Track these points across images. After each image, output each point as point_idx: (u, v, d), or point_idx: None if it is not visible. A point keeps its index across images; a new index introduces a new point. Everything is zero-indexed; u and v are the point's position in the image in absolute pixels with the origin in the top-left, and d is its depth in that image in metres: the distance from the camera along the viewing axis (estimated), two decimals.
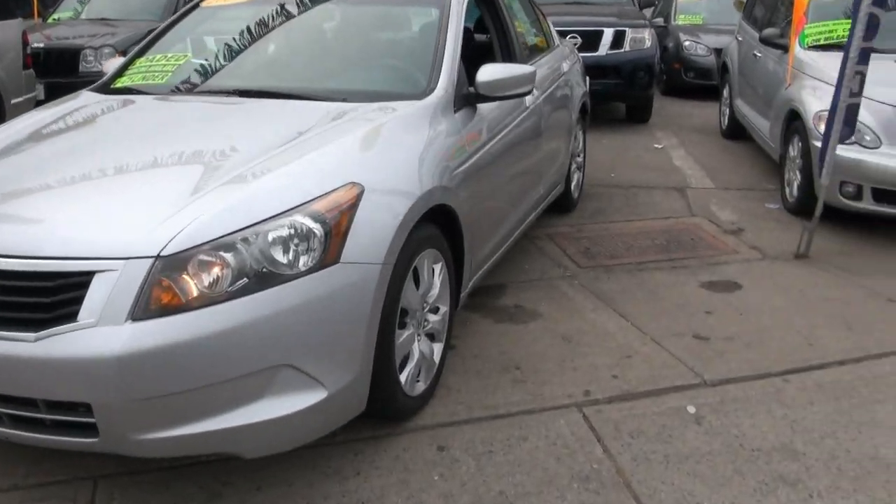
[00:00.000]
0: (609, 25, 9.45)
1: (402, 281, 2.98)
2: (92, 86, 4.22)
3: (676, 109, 11.29)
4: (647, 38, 9.53)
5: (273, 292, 2.59)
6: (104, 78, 4.32)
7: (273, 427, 2.66)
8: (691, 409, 3.34)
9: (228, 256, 2.57)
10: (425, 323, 3.32)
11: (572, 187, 6.08)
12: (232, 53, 4.21)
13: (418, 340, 3.25)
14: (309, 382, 2.70)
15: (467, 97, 3.79)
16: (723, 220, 6.05)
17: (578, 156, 6.29)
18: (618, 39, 9.42)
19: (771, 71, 7.10)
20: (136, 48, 4.50)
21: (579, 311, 4.36)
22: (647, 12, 15.83)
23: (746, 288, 4.70)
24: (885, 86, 5.65)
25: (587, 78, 6.64)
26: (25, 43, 8.10)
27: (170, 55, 4.31)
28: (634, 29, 9.50)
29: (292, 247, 2.64)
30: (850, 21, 5.10)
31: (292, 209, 2.68)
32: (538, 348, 3.89)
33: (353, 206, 2.78)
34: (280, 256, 2.62)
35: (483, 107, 3.91)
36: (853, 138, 5.48)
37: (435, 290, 3.35)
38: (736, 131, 8.55)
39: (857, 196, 5.51)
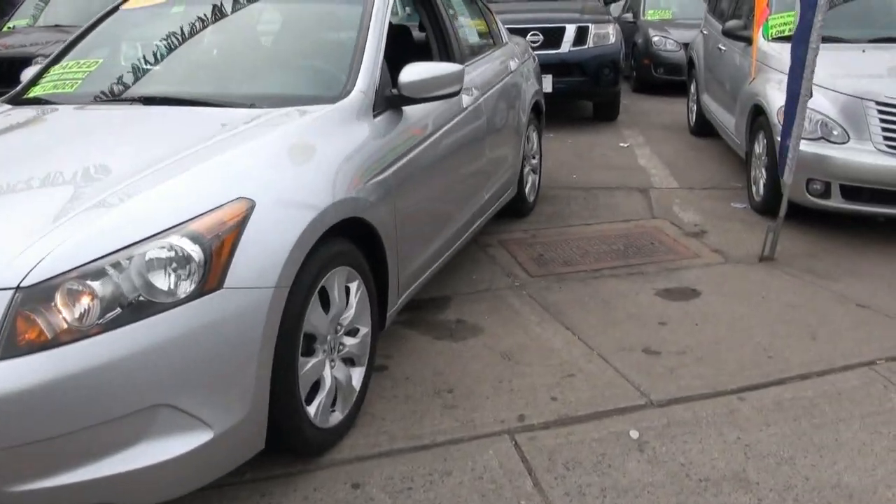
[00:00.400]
0: (571, 21, 9.17)
1: (304, 304, 2.68)
2: (5, 96, 3.93)
3: (646, 106, 11.03)
4: (611, 33, 9.26)
5: (148, 323, 2.30)
6: (18, 87, 4.01)
7: (156, 473, 2.36)
8: (634, 434, 3.04)
9: (97, 285, 2.28)
10: (340, 347, 3.02)
11: (526, 191, 5.79)
12: (144, 59, 3.91)
13: (332, 367, 2.95)
14: (192, 423, 2.40)
15: (390, 100, 3.49)
16: (685, 221, 5.77)
17: (533, 157, 6.00)
18: (580, 36, 9.14)
19: (736, 65, 6.83)
20: (52, 55, 4.18)
21: (524, 325, 4.06)
22: (618, 7, 15.62)
23: (705, 295, 4.42)
24: (852, 77, 5.39)
25: (541, 77, 6.36)
26: None
27: (82, 62, 4.00)
28: (598, 24, 9.23)
29: (169, 272, 2.34)
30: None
31: (168, 230, 2.38)
32: (475, 368, 3.59)
33: (241, 223, 2.48)
34: (155, 283, 2.32)
35: (411, 109, 3.62)
36: (819, 133, 5.22)
37: (351, 311, 3.05)
38: (704, 128, 8.29)
39: (825, 194, 5.24)
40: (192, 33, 3.99)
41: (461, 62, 4.43)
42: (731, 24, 6.59)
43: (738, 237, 5.40)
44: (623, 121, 9.85)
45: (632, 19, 13.21)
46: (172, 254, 2.34)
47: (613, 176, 7.10)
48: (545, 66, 8.71)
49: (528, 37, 8.92)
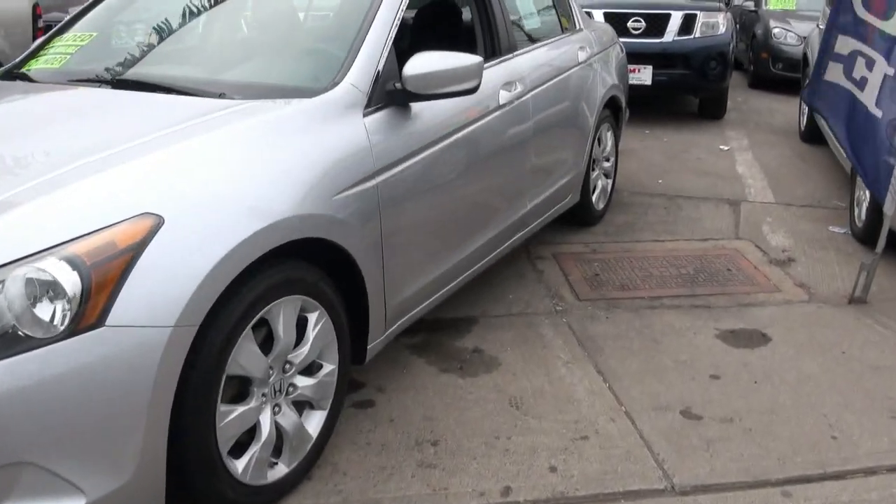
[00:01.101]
0: (677, 8, 8.38)
1: (227, 343, 2.19)
2: (3, 67, 3.62)
3: (760, 104, 10.11)
4: (721, 22, 8.42)
5: (10, 364, 1.87)
6: (17, 59, 3.68)
7: None
8: None
9: None
10: (291, 389, 2.52)
11: (593, 198, 5.16)
12: (131, 36, 3.49)
13: (275, 412, 2.46)
14: (62, 486, 1.95)
15: (393, 95, 2.95)
16: (772, 245, 5.03)
17: (606, 160, 5.35)
18: (687, 24, 8.35)
19: None
20: (58, 26, 3.82)
21: (549, 363, 3.49)
22: None
23: (775, 342, 3.73)
24: None
25: (625, 70, 5.70)
26: (37, 16, 7.60)
27: (77, 36, 3.61)
28: (707, 13, 8.41)
29: (41, 302, 1.89)
30: None
31: (46, 250, 1.93)
32: (474, 416, 3.05)
33: (138, 246, 2.00)
34: (22, 315, 1.88)
35: (424, 107, 3.07)
36: None
37: (306, 348, 2.55)
38: (815, 134, 7.40)
39: None
40: (186, 12, 3.53)
41: (508, 51, 3.88)
42: None
43: (830, 270, 4.64)
44: (730, 120, 9.01)
45: (753, 8, 12.20)
46: (41, 280, 1.89)
47: (704, 184, 6.36)
48: (646, 56, 8.06)
49: (630, 23, 8.25)
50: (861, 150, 4.45)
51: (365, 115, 2.85)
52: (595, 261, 4.72)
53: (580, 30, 4.97)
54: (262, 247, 2.25)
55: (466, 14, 3.96)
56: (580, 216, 5.14)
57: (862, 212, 5.02)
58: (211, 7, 3.51)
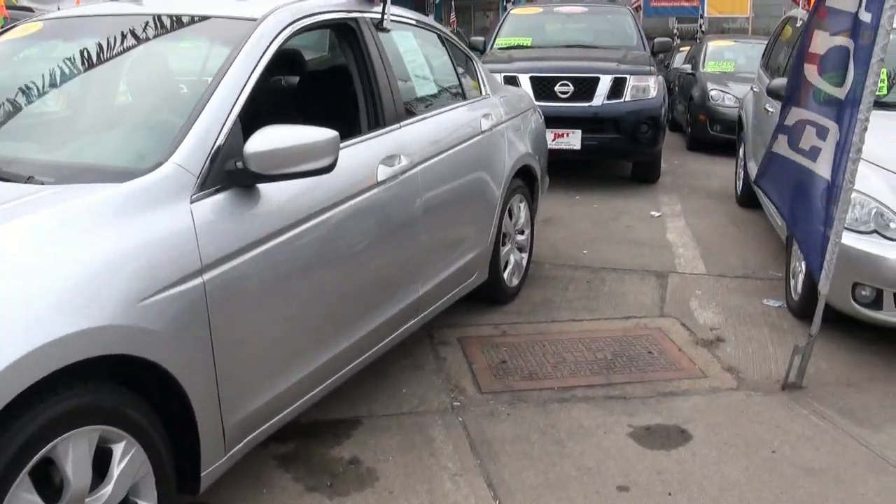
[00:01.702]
0: (606, 72, 8.12)
1: None
2: None
3: (696, 167, 9.89)
4: (651, 86, 8.17)
5: None
6: None
7: None
8: None
9: None
10: None
11: (505, 275, 4.74)
12: None
13: None
14: None
15: (234, 176, 2.52)
16: (700, 322, 4.64)
17: (520, 233, 4.95)
18: (617, 88, 8.08)
19: None
20: None
21: (435, 475, 3.02)
22: (681, 56, 14.51)
23: (695, 441, 3.30)
24: None
25: (542, 137, 5.35)
26: None
27: None
28: (637, 76, 8.15)
29: None
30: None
31: None
32: None
33: None
34: None
35: (276, 189, 2.64)
36: (872, 225, 4.09)
37: (108, 488, 2.07)
38: (751, 198, 7.09)
39: (877, 303, 4.09)
40: (42, 76, 3.09)
41: (394, 120, 3.47)
42: (777, 82, 5.45)
43: (763, 350, 4.26)
44: (665, 184, 8.73)
45: (691, 70, 12.09)
46: None
47: (632, 254, 5.99)
48: (575, 120, 7.75)
49: (557, 87, 7.98)
50: (799, 222, 4.09)
51: (194, 199, 2.41)
52: (504, 345, 4.28)
53: (486, 96, 4.60)
54: (38, 369, 1.79)
55: (350, 81, 3.56)
56: (491, 294, 4.72)
57: (798, 284, 4.66)
58: (33, 73, 3.07)
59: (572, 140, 8.01)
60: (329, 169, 2.60)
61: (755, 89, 7.29)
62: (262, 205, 2.61)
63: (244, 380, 2.54)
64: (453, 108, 4.13)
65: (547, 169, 5.59)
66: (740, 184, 7.58)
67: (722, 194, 8.11)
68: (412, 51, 3.93)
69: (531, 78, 8.15)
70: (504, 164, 4.46)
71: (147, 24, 3.13)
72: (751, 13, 19.66)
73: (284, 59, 4.51)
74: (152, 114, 2.86)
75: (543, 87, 8.11)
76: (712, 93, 10.83)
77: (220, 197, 2.49)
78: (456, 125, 4.03)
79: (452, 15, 18.24)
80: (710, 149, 10.90)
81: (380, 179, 3.21)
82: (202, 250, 2.35)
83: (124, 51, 3.05)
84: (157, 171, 2.38)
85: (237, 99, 2.64)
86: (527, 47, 9.41)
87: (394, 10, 3.87)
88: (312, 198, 2.83)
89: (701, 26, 19.59)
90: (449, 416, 3.51)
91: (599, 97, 8.04)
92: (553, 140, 7.90)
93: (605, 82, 8.05)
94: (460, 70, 4.44)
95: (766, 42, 8.53)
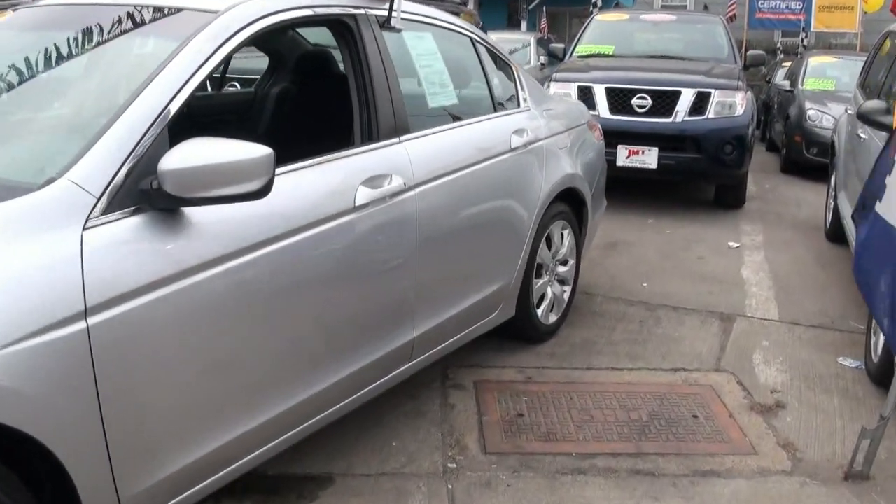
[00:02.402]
0: (689, 85, 7.45)
1: None
2: None
3: (788, 193, 9.09)
4: (738, 102, 7.46)
5: None
6: None
7: None
8: None
9: None
10: None
11: (539, 311, 4.19)
12: None
13: None
14: None
15: (150, 197, 2.06)
16: (761, 381, 4.00)
17: (562, 264, 4.39)
18: (700, 103, 7.40)
19: (873, 162, 4.95)
20: None
21: None
22: (782, 72, 13.60)
23: None
24: None
25: (599, 156, 4.78)
26: None
27: None
28: (723, 91, 7.45)
29: None
30: None
31: None
32: None
33: None
34: None
35: (212, 213, 2.17)
36: None
37: None
38: (840, 233, 6.33)
39: None
40: None
41: (391, 134, 2.99)
42: (869, 105, 4.72)
43: (829, 423, 3.60)
44: (750, 210, 7.99)
45: (789, 88, 11.22)
46: None
47: (698, 290, 5.35)
48: (651, 137, 7.14)
49: (635, 100, 7.36)
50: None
51: (90, 225, 1.96)
52: (526, 394, 3.73)
53: (524, 109, 4.05)
54: None
55: (344, 88, 3.08)
56: (522, 332, 4.18)
57: (879, 343, 3.97)
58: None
59: (648, 158, 7.37)
60: (261, 193, 2.12)
61: (850, 111, 6.51)
62: (189, 232, 2.15)
63: (147, 447, 2.08)
64: (476, 122, 3.61)
65: (604, 191, 5.02)
66: (829, 216, 6.80)
67: (810, 225, 7.34)
68: (428, 54, 3.42)
69: (606, 89, 7.56)
70: (539, 187, 3.91)
71: (112, 16, 2.71)
72: (860, 28, 18.42)
73: (300, 60, 4.11)
74: (72, 119, 2.43)
75: (620, 100, 7.51)
76: (810, 112, 9.99)
77: (129, 222, 2.04)
78: (476, 141, 3.50)
79: (543, 21, 17.60)
80: (806, 173, 10.07)
81: (358, 203, 2.71)
82: (89, 288, 1.90)
83: (69, 47, 2.64)
84: (45, 189, 1.95)
85: (167, 105, 2.19)
86: (608, 56, 8.81)
87: (411, 7, 3.38)
88: (262, 224, 2.35)
89: (803, 40, 18.46)
90: (437, 481, 2.99)
91: (680, 112, 7.38)
92: (627, 157, 7.32)
93: (686, 96, 7.39)
94: (494, 79, 3.90)
95: None
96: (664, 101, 7.42)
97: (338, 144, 2.87)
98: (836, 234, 6.54)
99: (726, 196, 7.98)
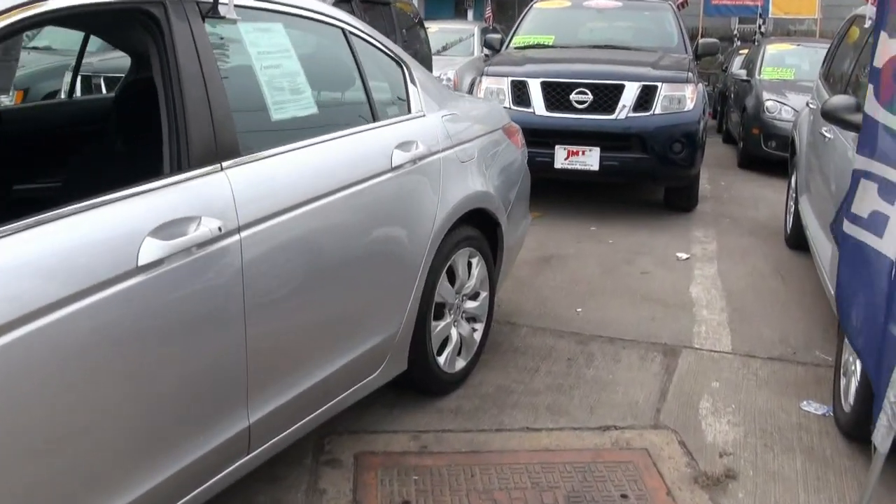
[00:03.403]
0: (633, 78, 6.75)
1: None
2: None
3: (745, 191, 8.46)
4: (688, 96, 6.78)
5: None
6: None
7: None
8: None
9: None
10: None
11: (441, 359, 3.47)
12: None
13: None
14: None
15: None
16: (708, 441, 3.31)
17: (474, 298, 3.67)
18: (645, 98, 6.71)
19: (841, 166, 4.27)
20: None
21: None
22: (739, 60, 13.00)
23: None
24: None
25: (518, 169, 4.07)
26: None
27: None
28: (671, 84, 6.77)
29: None
30: None
31: None
32: None
33: None
34: None
35: None
36: None
37: None
38: (801, 239, 5.67)
39: None
40: None
41: (208, 160, 2.22)
42: (836, 101, 4.01)
43: (791, 497, 2.91)
44: (703, 213, 7.34)
45: (745, 77, 10.59)
46: None
47: (639, 316, 4.66)
48: (592, 136, 6.42)
49: (573, 95, 6.66)
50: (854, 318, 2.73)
51: None
52: (417, 471, 3.01)
53: (417, 115, 3.31)
54: None
55: (153, 100, 2.32)
56: (419, 385, 3.45)
57: (851, 387, 3.29)
58: None
59: (589, 159, 6.68)
60: None
61: (811, 105, 5.84)
62: None
63: None
64: (343, 137, 2.85)
65: (527, 205, 4.31)
66: (790, 220, 6.15)
67: (769, 230, 6.70)
68: (277, 52, 2.66)
69: (542, 83, 6.86)
70: (434, 212, 3.18)
71: None
72: (819, 14, 17.88)
73: None
74: None
75: (557, 95, 6.80)
76: (768, 103, 9.36)
77: None
78: (342, 161, 2.76)
79: (488, 9, 16.81)
80: (764, 167, 9.47)
81: (143, 263, 1.95)
82: None
83: None
84: None
85: None
86: (547, 47, 8.10)
87: None
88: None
89: (760, 27, 17.88)
90: None
91: (623, 108, 6.69)
92: (566, 159, 6.63)
93: (630, 90, 6.70)
94: (374, 80, 3.15)
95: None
96: (606, 96, 6.72)
97: (145, 175, 2.12)
98: (797, 240, 5.90)
99: (677, 198, 7.31)
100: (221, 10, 2.43)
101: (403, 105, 3.30)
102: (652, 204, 7.53)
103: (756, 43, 13.96)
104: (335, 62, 3.06)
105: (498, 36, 8.57)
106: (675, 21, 8.35)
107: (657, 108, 6.69)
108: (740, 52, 14.67)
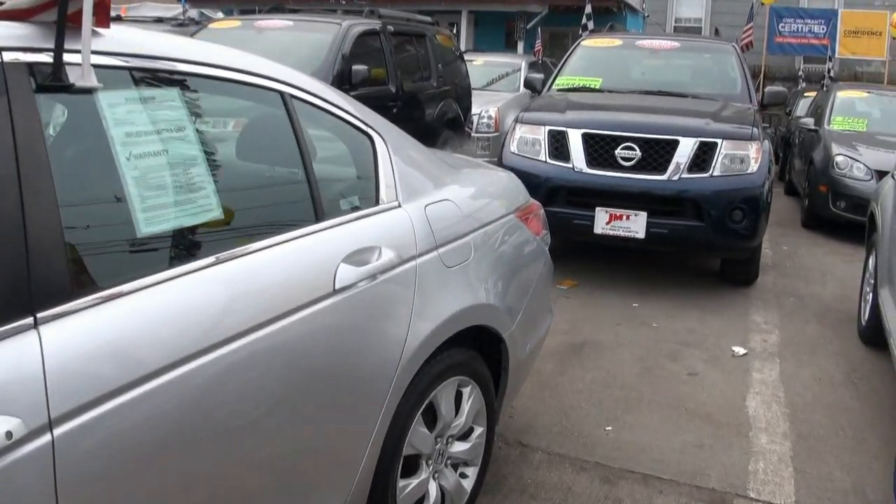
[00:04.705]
0: (689, 132, 5.86)
1: None
2: None
3: (810, 260, 7.47)
4: (752, 156, 5.87)
5: None
6: None
7: None
8: None
9: None
10: None
11: None
12: None
13: None
14: None
15: None
16: None
17: (464, 437, 2.81)
18: (703, 156, 5.82)
19: None
20: None
21: None
22: (804, 106, 11.97)
23: None
24: None
25: (534, 257, 3.21)
26: None
27: None
28: (733, 142, 5.86)
29: None
30: None
31: None
32: None
33: None
34: None
35: None
36: None
37: None
38: (879, 334, 4.71)
39: None
40: None
41: (13, 311, 1.39)
42: None
43: None
44: (764, 287, 6.40)
45: (813, 126, 9.59)
46: None
47: (683, 441, 3.77)
48: (639, 198, 5.58)
49: (619, 150, 5.79)
50: None
51: None
52: None
53: (386, 207, 2.47)
54: None
55: None
56: None
57: None
58: None
59: (634, 225, 5.79)
60: None
61: None
62: None
63: None
64: (256, 252, 2.00)
65: (549, 303, 3.46)
66: (866, 310, 5.19)
67: (839, 315, 5.74)
68: (160, 132, 1.84)
69: (584, 136, 6.00)
70: (401, 340, 2.34)
71: None
72: (888, 56, 16.74)
73: None
74: None
75: (601, 150, 5.95)
76: (838, 159, 8.38)
77: None
78: (244, 293, 1.91)
79: (537, 43, 15.94)
80: (832, 230, 8.49)
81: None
82: None
83: None
84: None
85: None
86: (593, 90, 7.22)
87: (139, 42, 1.82)
88: None
89: (829, 70, 16.78)
90: None
91: (676, 168, 5.79)
92: (608, 223, 5.77)
93: (685, 147, 5.81)
94: (323, 164, 2.32)
95: None
96: (657, 153, 5.83)
97: None
98: (873, 335, 4.94)
99: (735, 271, 6.38)
100: (71, 74, 1.62)
101: (368, 194, 2.46)
102: (705, 274, 6.60)
103: (824, 88, 12.93)
104: (265, 140, 2.24)
105: (539, 76, 7.72)
106: (739, 65, 7.44)
107: (716, 168, 5.79)
108: (806, 94, 13.64)
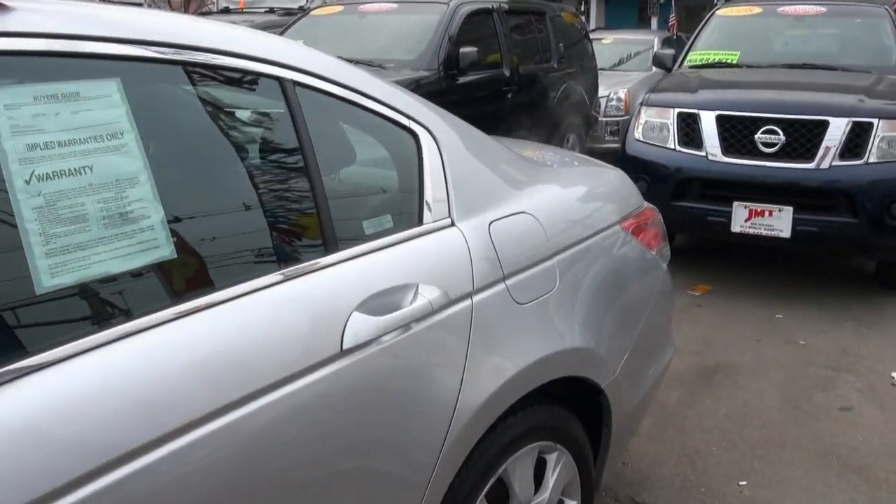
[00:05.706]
0: (840, 112, 4.99)
1: None
2: None
3: None
4: None
5: None
6: None
7: None
8: None
9: None
10: None
11: None
12: None
13: None
14: None
15: None
16: None
17: None
18: (857, 139, 4.93)
19: None
20: None
21: None
22: None
23: None
24: None
25: (647, 280, 2.55)
26: None
27: None
28: (891, 121, 4.94)
29: None
30: None
31: None
32: None
33: None
34: None
35: None
36: None
37: None
38: None
39: None
40: None
41: None
42: None
43: None
44: None
45: None
46: None
47: (831, 502, 2.98)
48: (783, 190, 4.80)
49: (759, 134, 4.98)
50: None
51: None
52: None
53: (435, 227, 1.85)
54: None
55: None
56: None
57: None
58: None
59: (777, 222, 4.97)
60: None
61: None
62: None
63: None
64: (225, 302, 1.42)
65: (669, 332, 2.77)
66: None
67: None
68: (82, 142, 1.29)
69: (718, 117, 5.20)
70: (449, 406, 1.73)
71: None
72: None
73: None
74: None
75: (738, 134, 5.15)
76: None
77: None
78: (202, 366, 1.33)
79: (672, 17, 14.85)
80: None
81: None
82: None
83: None
84: None
85: None
86: (730, 65, 6.37)
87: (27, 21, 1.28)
88: None
89: None
90: None
91: (827, 154, 4.92)
92: (747, 220, 4.99)
93: (836, 129, 4.94)
94: (340, 174, 1.72)
95: None
96: (803, 137, 4.98)
97: None
98: None
99: (893, 276, 5.43)
100: None
101: (409, 210, 1.84)
102: (859, 279, 5.68)
103: None
104: (251, 145, 1.65)
105: (669, 52, 6.90)
106: (895, 31, 6.41)
107: (872, 153, 4.88)
108: None
